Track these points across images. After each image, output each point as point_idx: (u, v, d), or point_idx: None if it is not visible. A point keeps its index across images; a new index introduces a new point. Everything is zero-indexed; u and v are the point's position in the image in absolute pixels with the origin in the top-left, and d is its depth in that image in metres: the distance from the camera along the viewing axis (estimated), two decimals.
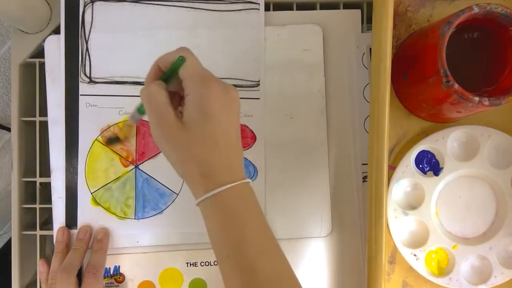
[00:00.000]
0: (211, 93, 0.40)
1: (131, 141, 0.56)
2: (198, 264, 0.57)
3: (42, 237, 0.59)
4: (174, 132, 0.40)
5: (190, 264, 0.57)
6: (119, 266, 0.57)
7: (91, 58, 0.56)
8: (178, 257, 0.57)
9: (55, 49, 0.56)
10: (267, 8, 0.58)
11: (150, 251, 0.57)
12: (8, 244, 0.77)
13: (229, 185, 0.40)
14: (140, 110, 0.46)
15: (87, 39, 0.56)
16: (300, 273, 0.58)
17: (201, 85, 0.40)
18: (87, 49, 0.56)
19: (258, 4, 0.57)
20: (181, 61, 0.41)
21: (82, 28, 0.56)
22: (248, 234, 0.40)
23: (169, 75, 0.42)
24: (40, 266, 0.56)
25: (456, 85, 0.44)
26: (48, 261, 0.56)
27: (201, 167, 0.40)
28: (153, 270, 0.57)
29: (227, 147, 0.41)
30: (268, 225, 0.42)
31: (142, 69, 0.56)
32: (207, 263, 0.57)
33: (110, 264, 0.57)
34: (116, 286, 0.57)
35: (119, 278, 0.57)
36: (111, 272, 0.57)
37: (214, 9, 0.57)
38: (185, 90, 0.41)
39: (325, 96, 0.58)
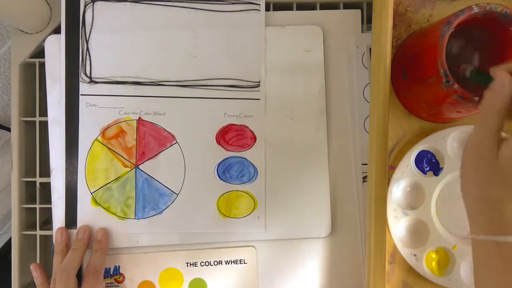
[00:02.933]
0: None
1: (131, 141, 0.57)
2: (198, 264, 0.57)
3: (42, 237, 0.59)
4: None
5: (190, 264, 0.57)
6: (119, 266, 0.57)
7: (91, 58, 0.56)
8: (178, 257, 0.57)
9: (55, 49, 0.56)
10: (267, 8, 0.58)
11: (150, 251, 0.57)
12: (8, 244, 0.76)
13: None
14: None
15: (87, 38, 0.56)
16: (300, 274, 0.58)
17: None
18: (87, 49, 0.56)
19: (259, 5, 0.57)
20: None
21: (83, 28, 0.56)
22: None
23: None
24: (33, 271, 0.55)
25: (456, 85, 0.44)
26: (43, 264, 0.56)
27: (496, 207, 0.37)
28: (153, 270, 0.57)
29: None
30: None
31: (142, 69, 0.56)
32: (207, 263, 0.57)
33: (110, 264, 0.57)
34: (116, 286, 0.57)
35: (119, 278, 0.57)
36: (111, 272, 0.57)
37: (214, 9, 0.57)
38: None
39: (325, 97, 0.58)
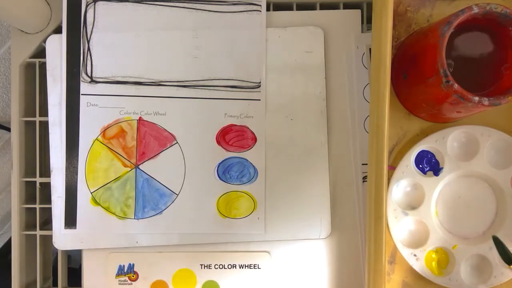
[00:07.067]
0: None
1: (131, 141, 0.57)
2: (212, 266, 0.57)
3: (42, 237, 0.59)
4: None
5: (204, 266, 0.57)
6: (133, 264, 0.57)
7: (92, 57, 0.56)
8: (192, 259, 0.57)
9: (56, 48, 0.56)
10: (266, 8, 0.58)
11: (165, 251, 0.57)
12: (8, 244, 0.76)
13: None
14: None
15: (88, 38, 0.56)
16: (300, 275, 0.58)
17: None
18: (88, 49, 0.56)
19: (260, 6, 0.57)
20: None
21: (84, 28, 0.56)
22: None
23: None
24: None
25: (456, 85, 0.44)
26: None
27: None
28: (167, 270, 0.57)
29: None
30: None
31: (143, 69, 0.57)
32: (221, 266, 0.57)
33: (124, 261, 0.57)
34: (129, 284, 0.57)
35: (133, 276, 0.57)
36: (125, 270, 0.57)
37: (215, 10, 0.57)
38: None
39: (325, 98, 0.58)
